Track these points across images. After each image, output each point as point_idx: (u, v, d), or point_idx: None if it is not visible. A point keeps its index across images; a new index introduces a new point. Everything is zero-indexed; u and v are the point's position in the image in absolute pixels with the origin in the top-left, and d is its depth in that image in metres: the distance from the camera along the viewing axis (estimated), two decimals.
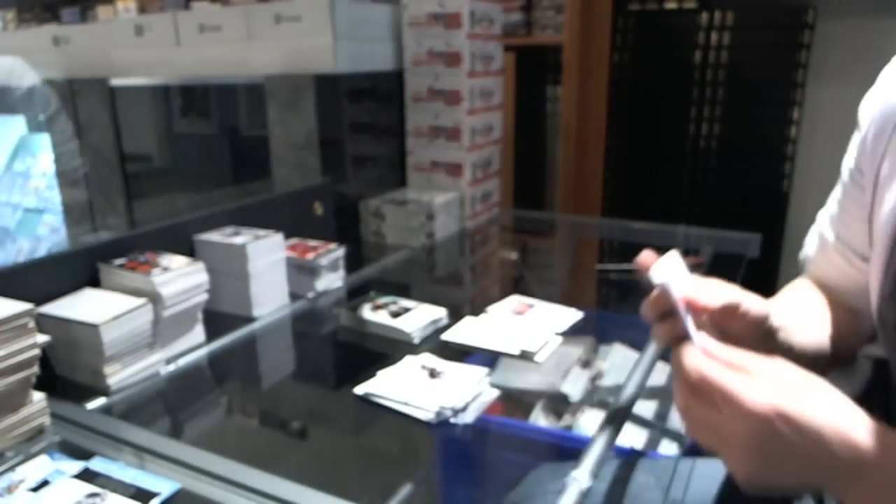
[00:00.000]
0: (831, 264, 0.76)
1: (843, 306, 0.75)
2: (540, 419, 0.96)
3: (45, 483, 0.63)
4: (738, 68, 2.09)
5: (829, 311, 0.75)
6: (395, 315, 1.04)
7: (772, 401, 0.43)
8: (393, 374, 0.86)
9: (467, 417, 0.78)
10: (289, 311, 1.12)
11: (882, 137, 0.67)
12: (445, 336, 0.97)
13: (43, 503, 0.61)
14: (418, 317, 1.03)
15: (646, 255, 0.58)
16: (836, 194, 0.75)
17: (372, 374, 0.86)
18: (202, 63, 1.59)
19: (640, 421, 0.90)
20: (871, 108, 0.68)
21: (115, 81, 1.81)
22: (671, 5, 2.18)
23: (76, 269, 0.92)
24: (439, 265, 1.48)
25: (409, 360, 0.90)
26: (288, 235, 1.16)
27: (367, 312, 1.05)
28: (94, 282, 0.93)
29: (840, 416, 0.44)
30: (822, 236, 0.77)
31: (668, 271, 0.57)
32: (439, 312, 1.04)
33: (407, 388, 0.82)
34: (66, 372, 0.86)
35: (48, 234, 2.08)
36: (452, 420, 0.77)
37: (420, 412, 0.78)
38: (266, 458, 0.73)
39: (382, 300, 1.09)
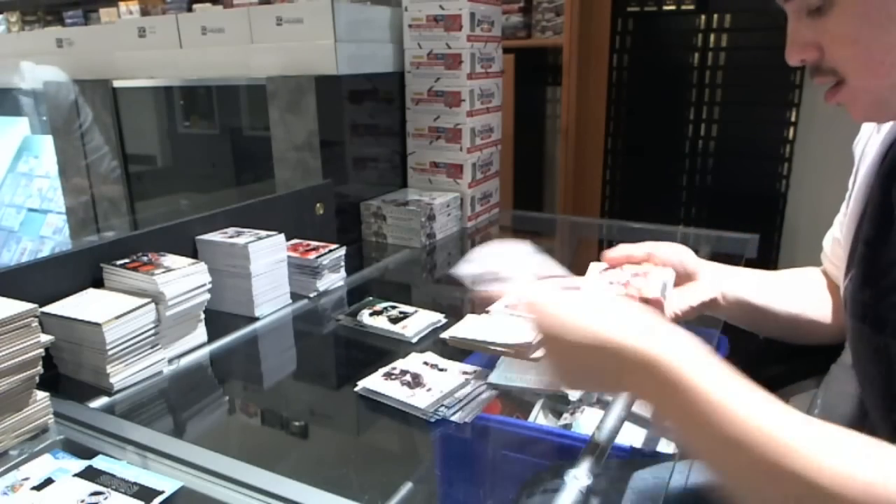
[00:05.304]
0: (839, 261, 0.82)
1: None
2: (539, 418, 0.97)
3: (48, 481, 0.64)
4: (736, 70, 2.10)
5: (826, 294, 0.86)
6: (394, 321, 1.04)
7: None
8: (395, 370, 0.87)
9: (466, 416, 0.78)
10: (290, 311, 1.13)
11: (857, 149, 0.77)
12: (445, 334, 0.98)
13: (46, 501, 0.61)
14: (417, 322, 1.03)
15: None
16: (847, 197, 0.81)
17: (372, 373, 0.86)
18: (204, 65, 1.59)
19: (639, 420, 0.91)
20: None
21: (118, 83, 1.82)
22: (669, 7, 2.19)
23: (79, 269, 0.92)
24: (440, 265, 1.48)
25: (412, 358, 0.90)
26: (289, 236, 1.17)
27: (366, 318, 1.05)
28: (98, 282, 0.94)
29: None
30: (834, 237, 0.85)
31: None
32: (438, 317, 1.05)
33: (405, 385, 0.83)
34: (69, 371, 0.87)
35: (51, 234, 2.09)
36: (450, 419, 0.77)
37: (418, 410, 0.78)
38: (267, 457, 0.74)
39: (381, 305, 1.10)
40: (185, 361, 0.95)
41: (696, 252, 0.86)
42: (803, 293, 0.87)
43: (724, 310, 0.84)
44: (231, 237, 1.08)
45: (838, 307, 0.84)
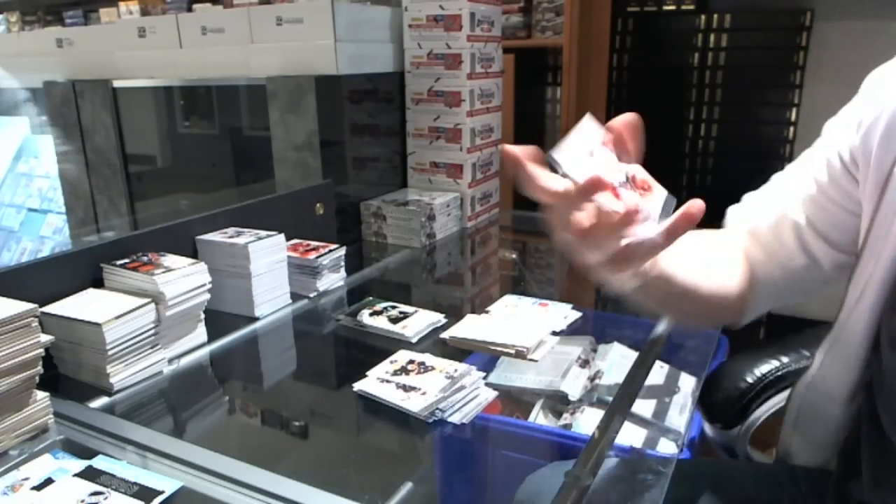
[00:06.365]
0: (780, 242, 0.70)
1: (754, 277, 0.71)
2: (539, 418, 0.97)
3: (48, 481, 0.64)
4: (736, 70, 2.09)
5: (744, 271, 0.71)
6: (394, 321, 1.04)
7: None
8: (389, 370, 0.86)
9: (465, 417, 0.78)
10: (290, 311, 1.13)
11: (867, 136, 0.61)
12: (445, 334, 0.98)
13: (46, 502, 0.61)
14: (417, 322, 1.03)
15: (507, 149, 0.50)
16: (812, 172, 0.69)
17: (368, 373, 0.86)
18: (204, 65, 1.60)
19: (639, 420, 0.91)
20: (886, 93, 0.61)
21: (118, 83, 1.82)
22: (669, 7, 2.19)
23: (79, 269, 0.93)
24: (440, 265, 1.48)
25: (403, 355, 0.90)
26: (289, 236, 1.17)
27: (366, 318, 1.05)
28: (98, 282, 0.94)
29: None
30: (783, 212, 0.70)
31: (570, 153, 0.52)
32: (438, 317, 1.05)
33: (400, 388, 0.82)
34: (69, 371, 0.87)
35: (51, 234, 2.09)
36: (449, 419, 0.77)
37: (412, 413, 0.78)
38: (267, 457, 0.74)
39: (381, 305, 1.10)
40: (185, 361, 0.95)
41: None
42: (725, 272, 0.71)
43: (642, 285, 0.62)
44: (231, 237, 1.08)
45: (747, 289, 0.71)
